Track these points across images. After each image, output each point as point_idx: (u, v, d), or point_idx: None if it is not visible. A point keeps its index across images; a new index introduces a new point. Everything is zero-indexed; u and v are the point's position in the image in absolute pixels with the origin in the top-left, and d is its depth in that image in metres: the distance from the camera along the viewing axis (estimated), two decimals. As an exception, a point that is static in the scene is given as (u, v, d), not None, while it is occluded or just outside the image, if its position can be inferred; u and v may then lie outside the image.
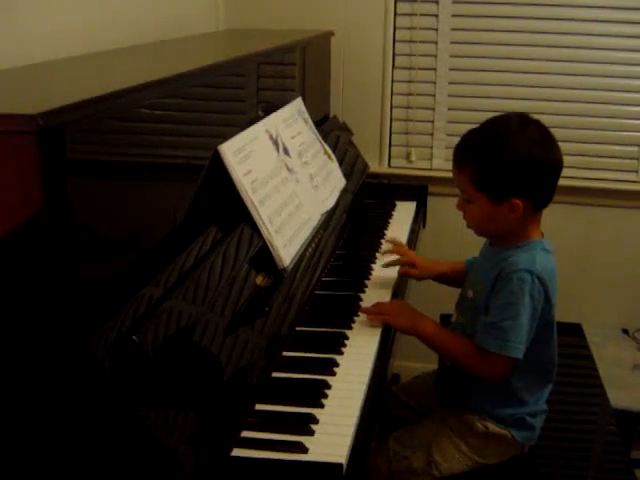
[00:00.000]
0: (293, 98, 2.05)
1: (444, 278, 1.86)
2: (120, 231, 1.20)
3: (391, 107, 2.73)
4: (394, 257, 1.88)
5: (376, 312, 1.62)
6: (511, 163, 1.46)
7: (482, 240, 1.69)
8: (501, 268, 1.50)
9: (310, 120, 2.09)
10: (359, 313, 1.64)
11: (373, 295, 1.75)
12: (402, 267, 1.86)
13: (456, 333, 1.62)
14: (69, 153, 1.02)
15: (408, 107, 2.72)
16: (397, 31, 2.66)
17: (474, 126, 1.57)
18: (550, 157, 1.48)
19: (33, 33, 1.57)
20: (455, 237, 2.56)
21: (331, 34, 2.56)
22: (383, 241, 2.11)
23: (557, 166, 1.50)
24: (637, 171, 2.64)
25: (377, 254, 2.01)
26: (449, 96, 2.68)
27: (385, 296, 1.76)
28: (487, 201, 1.49)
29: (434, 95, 2.69)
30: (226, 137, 1.53)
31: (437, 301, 1.96)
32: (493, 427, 1.59)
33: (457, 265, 1.85)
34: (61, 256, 1.02)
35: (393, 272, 1.88)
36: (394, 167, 2.79)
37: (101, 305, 1.09)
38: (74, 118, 1.01)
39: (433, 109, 2.71)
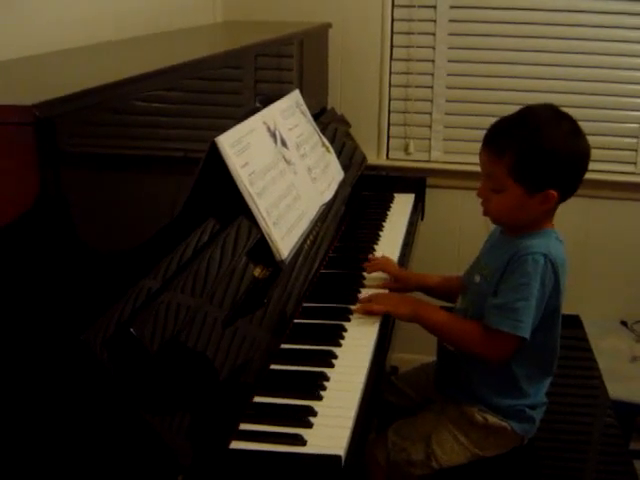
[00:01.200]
0: (291, 90, 2.05)
1: (432, 292, 1.85)
2: (117, 223, 1.20)
3: (389, 99, 2.72)
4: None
5: (373, 304, 1.62)
6: (553, 154, 1.47)
7: (481, 234, 1.69)
8: (515, 251, 1.51)
9: (308, 112, 2.09)
10: (358, 305, 1.63)
11: (371, 287, 1.75)
12: (383, 282, 1.82)
13: (459, 317, 1.62)
14: (65, 144, 1.01)
15: (406, 99, 2.72)
16: (395, 23, 2.65)
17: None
18: (584, 147, 1.51)
19: (31, 25, 1.56)
20: (454, 229, 2.55)
21: (329, 26, 2.55)
22: (381, 233, 2.11)
23: (588, 156, 1.53)
24: (635, 163, 2.64)
25: (375, 246, 2.01)
26: (447, 88, 2.67)
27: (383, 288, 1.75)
28: (522, 191, 1.49)
29: (432, 87, 2.68)
30: (223, 129, 1.53)
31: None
32: (492, 419, 1.59)
33: (449, 280, 1.83)
34: (57, 248, 1.02)
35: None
36: (392, 159, 2.78)
37: (98, 297, 1.08)
38: (70, 109, 1.00)
39: (431, 101, 2.70)
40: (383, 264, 1.86)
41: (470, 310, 1.61)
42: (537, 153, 1.47)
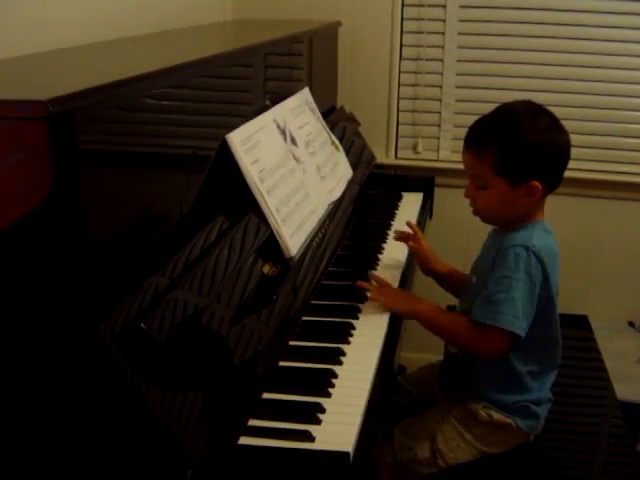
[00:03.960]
0: (300, 88, 2.05)
1: (440, 278, 1.87)
2: (128, 219, 1.20)
3: (398, 98, 2.72)
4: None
5: (376, 292, 1.64)
6: (533, 145, 1.49)
7: (488, 232, 1.69)
8: (500, 246, 1.53)
9: (317, 110, 2.09)
10: (357, 285, 1.66)
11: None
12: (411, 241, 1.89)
13: (454, 313, 1.63)
14: (78, 140, 1.02)
15: (415, 98, 2.72)
16: (405, 22, 2.65)
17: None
18: (564, 140, 1.53)
19: (40, 21, 1.57)
20: (462, 229, 2.56)
21: (339, 24, 2.56)
22: (389, 232, 2.11)
23: (569, 149, 1.55)
24: (646, 164, 2.63)
25: (384, 244, 2.01)
26: (456, 87, 2.68)
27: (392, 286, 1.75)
28: (505, 185, 1.51)
29: (441, 86, 2.68)
30: (233, 127, 1.53)
31: (442, 293, 1.95)
32: (497, 415, 1.59)
33: (457, 272, 1.86)
34: (69, 243, 1.02)
35: (399, 263, 1.89)
36: (401, 158, 2.78)
37: (109, 293, 1.09)
38: (83, 105, 1.01)
39: (440, 100, 2.70)
40: (415, 236, 1.90)
41: (470, 311, 1.60)
42: (517, 145, 1.50)
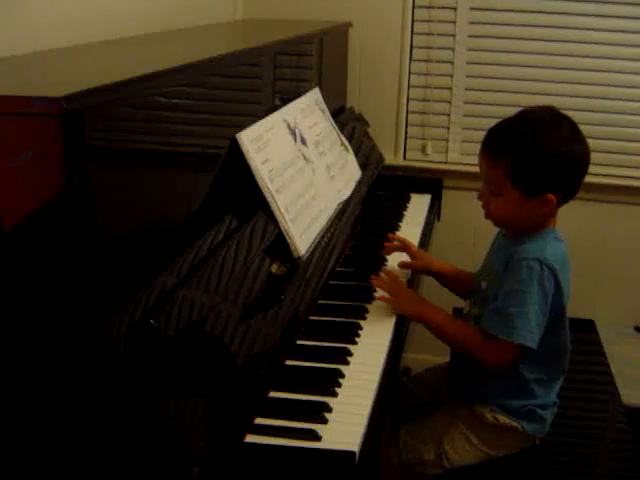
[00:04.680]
0: (310, 89, 2.05)
1: (446, 280, 1.85)
2: (139, 217, 1.21)
3: (407, 99, 2.73)
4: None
5: (387, 286, 1.63)
6: (550, 157, 1.46)
7: (495, 234, 1.69)
8: (510, 255, 1.51)
9: (327, 110, 2.09)
10: (371, 281, 1.66)
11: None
12: (401, 261, 1.85)
13: (463, 321, 1.62)
14: (91, 137, 1.02)
15: (425, 100, 2.72)
16: (415, 23, 2.66)
17: (490, 120, 1.57)
18: (582, 150, 1.50)
19: (52, 19, 1.57)
20: (469, 231, 2.56)
21: (349, 25, 2.56)
22: (397, 233, 2.10)
23: (587, 159, 1.52)
24: (653, 168, 2.63)
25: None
26: (466, 89, 2.68)
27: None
28: (519, 195, 1.49)
29: (451, 88, 2.69)
30: (243, 126, 1.53)
31: (450, 294, 1.95)
32: (503, 419, 1.59)
33: (464, 273, 1.84)
34: (80, 239, 1.03)
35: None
36: (409, 160, 2.78)
37: (119, 290, 1.09)
38: (96, 102, 1.01)
39: (450, 102, 2.70)
40: (404, 244, 1.86)
41: (481, 318, 1.59)
42: (534, 156, 1.47)
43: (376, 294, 1.67)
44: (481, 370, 1.59)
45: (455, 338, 1.59)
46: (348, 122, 2.37)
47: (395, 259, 1.91)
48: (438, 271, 1.84)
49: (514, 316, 1.46)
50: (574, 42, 2.55)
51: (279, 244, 1.54)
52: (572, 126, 1.50)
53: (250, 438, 1.19)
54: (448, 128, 2.72)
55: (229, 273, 1.32)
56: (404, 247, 1.86)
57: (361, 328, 1.54)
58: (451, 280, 1.85)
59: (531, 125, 1.50)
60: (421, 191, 2.47)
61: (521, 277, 1.47)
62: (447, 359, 1.86)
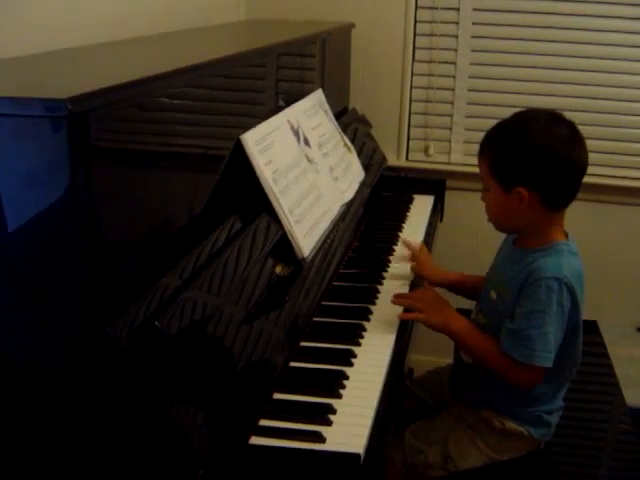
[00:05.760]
0: (313, 90, 2.05)
1: (453, 288, 1.84)
2: (143, 219, 1.21)
3: (410, 101, 2.72)
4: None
5: (408, 305, 1.60)
6: (524, 151, 1.44)
7: (499, 236, 1.68)
8: (528, 274, 1.46)
9: (330, 112, 2.09)
10: (393, 303, 1.63)
11: (390, 287, 1.75)
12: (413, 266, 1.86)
13: (487, 335, 1.56)
14: (96, 138, 1.02)
15: (427, 101, 2.71)
16: (417, 24, 2.65)
17: (493, 121, 1.56)
18: (571, 155, 1.45)
19: (56, 20, 1.57)
20: (473, 232, 2.56)
21: (352, 26, 2.56)
22: (400, 234, 2.11)
23: (577, 166, 1.46)
24: (654, 169, 2.62)
25: (394, 246, 2.01)
26: (469, 90, 2.67)
27: (403, 288, 1.76)
28: (498, 187, 1.48)
29: (454, 89, 2.68)
30: (247, 127, 1.54)
31: (454, 295, 1.95)
32: (510, 424, 1.58)
33: (469, 277, 1.83)
34: (85, 240, 1.03)
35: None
36: (412, 161, 2.78)
37: (123, 292, 1.09)
38: (101, 104, 1.01)
39: (452, 103, 2.70)
40: (419, 264, 1.86)
41: (490, 328, 1.57)
42: (509, 148, 1.46)
43: (380, 296, 1.66)
44: (487, 378, 1.57)
45: (478, 354, 1.55)
46: (351, 123, 2.37)
47: (399, 257, 1.92)
48: (447, 284, 1.84)
49: (534, 338, 1.43)
50: (577, 43, 2.55)
51: (283, 245, 1.54)
52: (571, 130, 1.46)
53: (254, 440, 1.19)
54: (451, 129, 2.72)
55: (233, 274, 1.32)
56: (420, 268, 1.86)
57: (365, 330, 1.54)
58: (455, 287, 1.84)
59: (522, 122, 1.49)
60: (424, 192, 2.47)
61: (539, 298, 1.43)
62: (450, 361, 1.86)
